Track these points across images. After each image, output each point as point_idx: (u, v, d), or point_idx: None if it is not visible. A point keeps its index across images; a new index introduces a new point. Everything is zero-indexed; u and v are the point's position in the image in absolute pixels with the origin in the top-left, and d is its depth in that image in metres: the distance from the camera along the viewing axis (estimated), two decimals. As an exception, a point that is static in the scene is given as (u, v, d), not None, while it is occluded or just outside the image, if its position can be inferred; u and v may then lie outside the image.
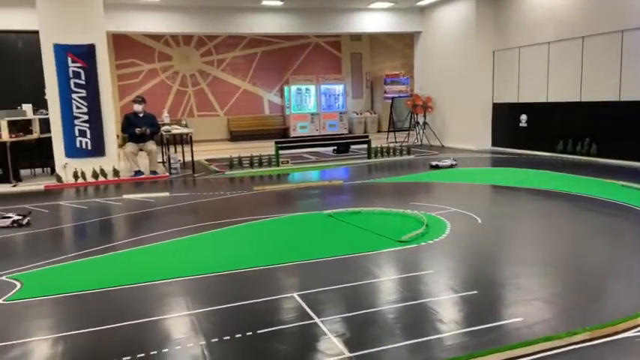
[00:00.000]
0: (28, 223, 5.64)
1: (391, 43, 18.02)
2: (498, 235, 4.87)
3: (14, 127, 8.90)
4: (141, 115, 9.37)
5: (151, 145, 9.38)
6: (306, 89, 16.49)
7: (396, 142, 13.14)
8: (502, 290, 3.45)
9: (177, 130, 10.26)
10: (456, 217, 5.37)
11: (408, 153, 10.97)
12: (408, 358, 2.55)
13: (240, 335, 2.83)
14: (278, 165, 9.89)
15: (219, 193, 7.36)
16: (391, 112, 14.27)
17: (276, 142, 10.30)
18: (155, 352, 2.66)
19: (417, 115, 13.36)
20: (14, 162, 8.76)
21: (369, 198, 6.82)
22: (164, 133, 9.91)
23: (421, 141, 13.29)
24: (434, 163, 9.15)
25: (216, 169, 9.82)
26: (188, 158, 10.09)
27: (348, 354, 2.57)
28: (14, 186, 8.51)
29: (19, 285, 3.75)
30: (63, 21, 8.54)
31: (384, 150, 10.84)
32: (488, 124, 12.00)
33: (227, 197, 7.13)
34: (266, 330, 2.89)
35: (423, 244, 4.46)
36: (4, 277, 3.91)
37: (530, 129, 10.96)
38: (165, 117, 10.95)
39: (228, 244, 4.81)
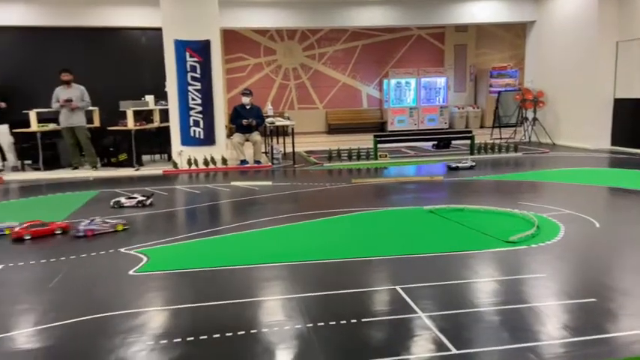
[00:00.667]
0: (150, 204, 6.21)
1: (499, 34, 17.13)
2: (619, 240, 4.47)
3: (138, 116, 9.81)
4: (248, 107, 9.85)
5: (256, 136, 9.84)
6: (406, 82, 16.24)
7: (501, 138, 12.51)
8: (623, 300, 3.18)
9: (280, 122, 10.65)
10: (571, 220, 5.02)
11: (515, 150, 10.41)
12: (517, 362, 2.46)
13: (344, 322, 2.90)
14: (376, 158, 9.89)
15: (318, 184, 7.54)
16: (497, 107, 13.58)
17: (375, 136, 10.29)
18: (256, 330, 2.83)
19: (525, 110, 12.59)
20: (137, 148, 9.67)
21: (472, 196, 6.58)
22: (268, 125, 10.34)
23: (529, 138, 12.52)
24: (453, 165, 8.65)
25: (316, 160, 10.05)
26: (288, 149, 10.44)
27: (455, 351, 2.54)
28: (137, 170, 9.40)
29: (145, 259, 4.16)
30: (183, 19, 9.23)
31: (489, 146, 10.39)
32: (608, 122, 10.99)
33: (326, 188, 7.28)
34: (369, 319, 2.93)
35: (533, 246, 4.24)
36: (132, 251, 4.35)
37: (659, 127, 9.86)
38: (269, 109, 11.42)
39: (328, 234, 4.93)
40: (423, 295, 3.27)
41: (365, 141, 11.23)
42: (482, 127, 16.50)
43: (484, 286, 3.46)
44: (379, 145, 10.10)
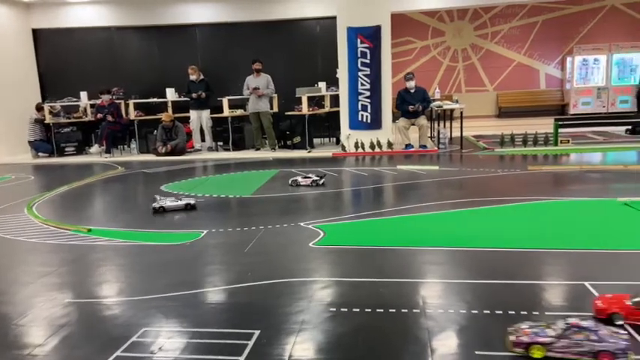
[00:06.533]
0: (323, 184, 6.65)
1: None
2: None
3: (311, 101, 10.48)
4: (412, 90, 9.79)
5: (421, 120, 9.76)
6: (595, 60, 14.40)
7: None
8: None
9: (448, 105, 10.38)
10: None
11: None
12: None
13: (525, 312, 2.79)
14: (556, 144, 9.05)
15: (489, 170, 7.22)
16: None
17: (556, 119, 9.40)
18: (441, 311, 2.87)
19: None
20: (310, 132, 10.36)
21: (679, 189, 5.65)
22: (435, 109, 10.17)
23: None
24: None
25: (485, 145, 9.60)
26: (455, 134, 10.13)
27: (658, 358, 2.28)
28: (309, 152, 10.09)
29: (322, 233, 4.51)
30: (356, 6, 9.52)
31: (702, 132, 8.74)
32: None
33: (498, 175, 6.93)
34: (554, 313, 2.77)
35: None
36: (311, 226, 4.74)
37: None
38: (436, 92, 11.20)
39: (500, 222, 4.72)
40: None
41: (541, 125, 10.33)
42: (695, 109, 13.88)
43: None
44: (560, 130, 9.21)
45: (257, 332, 2.71)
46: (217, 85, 11.12)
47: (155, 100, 11.50)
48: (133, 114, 11.13)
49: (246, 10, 12.10)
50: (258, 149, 10.66)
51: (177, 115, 10.83)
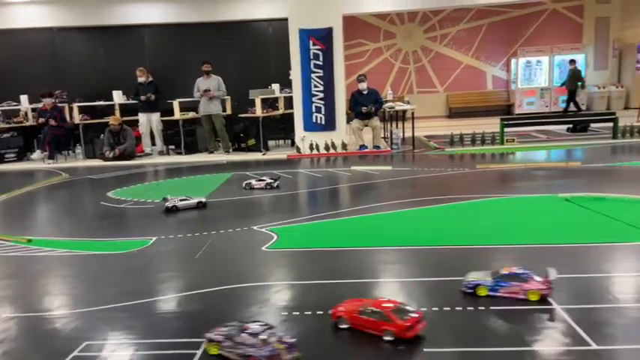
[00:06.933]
0: (277, 186, 6.60)
1: (651, 2, 15.06)
2: None
3: (265, 104, 10.40)
4: (365, 92, 9.90)
5: (375, 121, 9.88)
6: (537, 61, 15.06)
7: (650, 120, 11.09)
8: None
9: (400, 106, 10.56)
10: None
11: (669, 134, 9.18)
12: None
13: (471, 308, 2.86)
14: (502, 143, 9.38)
15: (439, 170, 7.39)
16: (646, 85, 12.03)
17: (502, 119, 9.74)
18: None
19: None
20: (264, 134, 10.28)
21: (615, 184, 5.96)
22: (387, 110, 10.32)
23: (687, 119, 10.94)
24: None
25: (436, 145, 9.83)
26: (407, 134, 10.32)
27: (595, 346, 2.38)
28: (264, 154, 10.01)
29: (275, 237, 4.46)
30: (307, 8, 9.54)
31: (635, 129, 9.28)
32: None
33: (448, 174, 7.11)
34: (498, 307, 2.85)
35: (692, 241, 3.76)
36: (264, 229, 4.69)
37: None
38: (388, 94, 11.37)
39: (451, 220, 4.83)
40: (558, 287, 3.07)
41: (488, 125, 10.69)
42: (626, 108, 14.74)
43: (628, 281, 3.17)
44: (506, 129, 9.55)
45: (204, 342, 2.64)
46: (167, 88, 10.86)
47: (101, 103, 11.10)
48: (77, 118, 10.70)
49: (196, 10, 11.88)
50: (211, 152, 10.48)
51: (125, 118, 10.50)
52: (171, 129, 10.80)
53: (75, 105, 10.74)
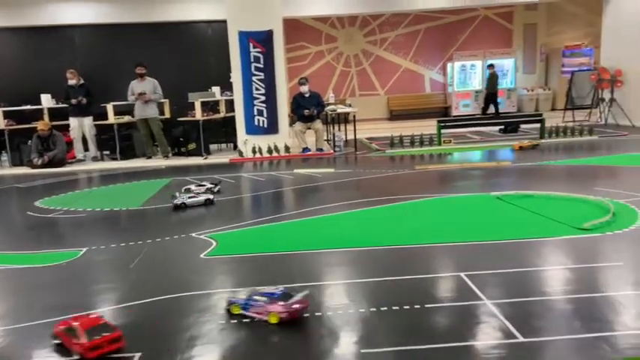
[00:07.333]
0: (218, 191, 6.47)
1: (573, 11, 16.09)
2: None
3: (205, 107, 10.19)
4: (307, 95, 9.92)
5: (317, 124, 9.92)
6: (471, 65, 15.70)
7: (574, 121, 11.83)
8: None
9: (341, 109, 10.67)
10: (652, 207, 4.70)
11: (590, 133, 9.82)
12: (589, 351, 2.37)
13: (407, 307, 2.92)
14: (440, 144, 9.69)
15: (380, 171, 7.52)
16: (570, 88, 12.83)
17: (439, 121, 10.07)
18: (320, 313, 2.90)
19: (602, 90, 11.81)
20: (205, 138, 10.07)
21: (542, 181, 6.31)
22: (329, 113, 10.40)
23: (606, 120, 11.75)
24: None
25: (377, 147, 10.00)
26: (350, 136, 10.44)
27: (521, 339, 2.49)
28: (205, 159, 9.80)
29: (214, 243, 4.37)
30: (246, 10, 9.43)
31: (561, 130, 9.87)
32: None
33: (389, 175, 7.25)
34: (433, 305, 2.93)
35: (608, 233, 4.02)
36: (202, 236, 4.58)
37: None
38: (330, 97, 11.47)
39: (391, 221, 4.92)
40: (489, 283, 3.21)
41: (428, 127, 11.01)
42: (553, 109, 15.67)
43: (554, 274, 3.34)
44: (443, 131, 9.88)
45: (138, 355, 2.53)
46: (100, 91, 10.38)
47: (28, 107, 10.46)
48: (2, 123, 10.02)
49: (129, 10, 11.45)
50: (149, 157, 10.13)
51: (55, 123, 9.93)
52: (105, 134, 10.34)
53: (-1, 110, 10.07)
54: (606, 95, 11.72)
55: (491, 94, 13.64)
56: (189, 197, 5.77)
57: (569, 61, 15.52)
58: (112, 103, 10.11)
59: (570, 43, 15.85)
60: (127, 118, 10.26)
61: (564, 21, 16.32)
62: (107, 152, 10.49)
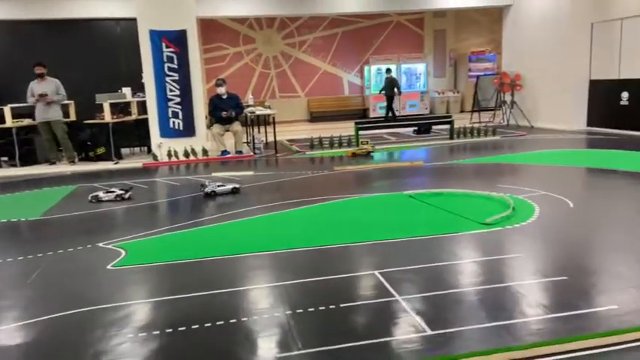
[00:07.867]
0: (129, 198, 6.15)
1: (477, 19, 17.20)
2: (592, 220, 4.58)
3: (115, 108, 9.67)
4: (224, 96, 9.73)
5: (236, 126, 9.77)
6: (387, 69, 16.23)
7: (480, 122, 12.65)
8: (595, 277, 3.27)
9: (261, 111, 10.59)
10: (545, 200, 5.12)
11: (494, 134, 10.53)
12: (492, 340, 2.52)
13: (323, 308, 2.94)
14: (358, 145, 9.90)
15: (300, 173, 7.55)
16: (476, 91, 13.70)
17: (356, 123, 10.31)
18: (235, 320, 2.85)
19: (504, 93, 12.73)
20: (116, 141, 9.54)
21: (451, 180, 6.67)
22: (248, 115, 10.28)
23: (508, 121, 12.68)
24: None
25: (298, 149, 10.04)
26: (270, 139, 10.40)
27: (429, 332, 2.59)
28: (116, 163, 9.29)
29: (123, 253, 4.13)
30: (158, 8, 9.07)
31: (468, 130, 10.49)
32: (583, 103, 11.17)
33: (308, 177, 7.29)
34: (348, 304, 2.97)
35: (508, 227, 4.32)
36: (110, 246, 4.32)
37: (632, 107, 10.07)
38: (249, 99, 11.34)
39: (310, 222, 4.95)
40: (401, 279, 3.32)
41: (347, 128, 11.24)
42: (462, 111, 16.64)
43: (461, 268, 3.52)
44: (360, 132, 10.12)
45: (33, 379, 2.33)
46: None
47: None
48: None
49: (28, 7, 10.58)
50: (53, 163, 9.42)
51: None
52: (3, 138, 9.47)
53: None
54: (507, 98, 12.64)
55: (389, 98, 13.69)
56: (219, 186, 6.14)
57: (475, 66, 16.58)
58: (10, 106, 9.29)
59: (476, 49, 16.94)
60: (27, 122, 9.47)
61: (470, 28, 17.41)
62: (5, 158, 9.62)
